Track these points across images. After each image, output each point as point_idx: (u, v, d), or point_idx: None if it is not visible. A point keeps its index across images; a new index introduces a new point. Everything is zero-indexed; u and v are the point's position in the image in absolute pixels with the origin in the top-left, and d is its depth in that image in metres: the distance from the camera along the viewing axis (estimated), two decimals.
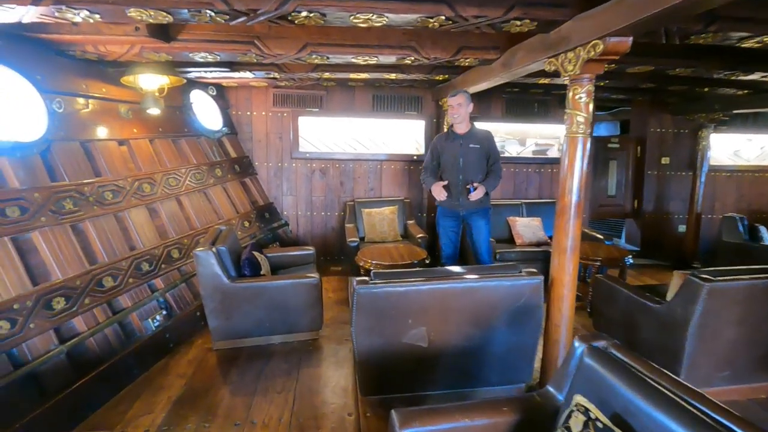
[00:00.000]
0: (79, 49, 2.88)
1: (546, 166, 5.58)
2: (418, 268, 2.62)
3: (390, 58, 3.18)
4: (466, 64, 3.36)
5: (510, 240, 4.76)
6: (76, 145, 2.97)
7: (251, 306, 3.12)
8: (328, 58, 3.16)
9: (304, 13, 2.14)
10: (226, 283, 3.02)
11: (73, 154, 2.92)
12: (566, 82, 2.43)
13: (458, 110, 3.36)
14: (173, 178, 3.80)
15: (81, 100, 3.10)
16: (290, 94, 5.05)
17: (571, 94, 2.38)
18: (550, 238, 4.69)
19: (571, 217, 2.40)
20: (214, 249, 3.02)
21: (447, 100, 3.64)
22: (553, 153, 5.63)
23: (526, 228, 4.78)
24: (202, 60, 3.14)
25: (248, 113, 5.09)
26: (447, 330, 2.38)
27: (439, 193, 3.44)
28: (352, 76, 4.06)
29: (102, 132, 3.23)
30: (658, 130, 5.75)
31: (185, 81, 3.63)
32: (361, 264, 3.57)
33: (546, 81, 4.21)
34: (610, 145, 5.90)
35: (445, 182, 3.45)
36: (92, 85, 3.21)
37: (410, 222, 4.99)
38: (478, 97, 4.99)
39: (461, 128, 3.46)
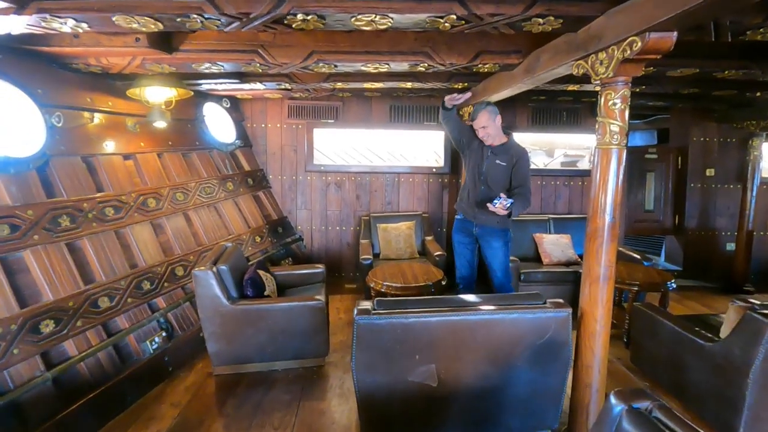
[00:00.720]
0: (82, 62, 2.81)
1: (576, 178, 5.20)
2: (426, 297, 2.35)
3: (402, 65, 2.96)
4: (486, 70, 3.10)
5: (536, 259, 4.41)
6: (77, 160, 2.88)
7: (252, 330, 2.92)
8: (336, 66, 2.98)
9: (300, 16, 1.96)
10: (226, 305, 2.84)
11: (74, 169, 2.83)
12: (597, 88, 2.14)
13: (486, 132, 3.07)
14: (181, 193, 3.69)
15: (86, 114, 3.04)
16: (305, 106, 4.92)
17: (603, 100, 2.09)
18: (581, 256, 4.32)
19: (605, 241, 2.08)
20: (214, 269, 2.85)
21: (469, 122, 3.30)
22: (583, 165, 5.24)
23: (554, 246, 4.42)
24: (207, 71, 3.02)
25: (263, 125, 4.99)
26: (460, 368, 2.09)
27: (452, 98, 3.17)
28: (367, 86, 3.87)
29: (107, 146, 3.15)
30: (702, 139, 5.28)
31: (193, 93, 3.53)
32: (371, 285, 3.33)
33: (575, 87, 3.89)
34: (647, 156, 5.46)
35: (460, 100, 3.17)
36: (98, 99, 3.14)
37: (428, 238, 4.72)
38: (501, 107, 4.70)
39: (492, 142, 3.13)
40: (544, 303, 2.14)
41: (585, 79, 2.24)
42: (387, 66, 2.98)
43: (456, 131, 3.33)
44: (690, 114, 5.20)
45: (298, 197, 5.09)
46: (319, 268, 3.72)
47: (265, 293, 3.16)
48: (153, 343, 2.93)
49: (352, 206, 5.11)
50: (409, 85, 3.81)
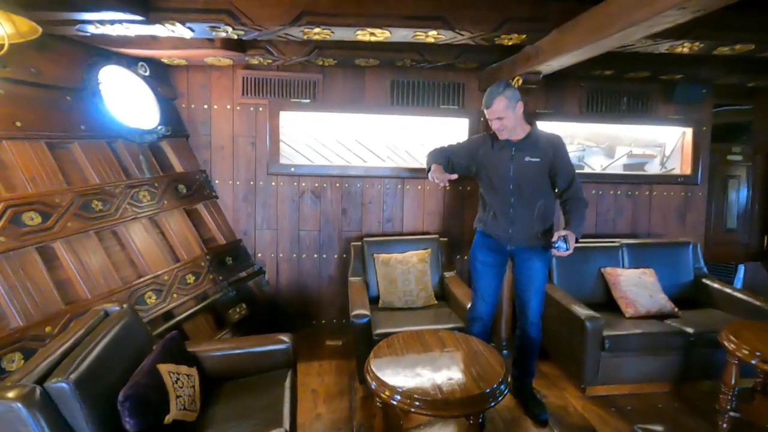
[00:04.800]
0: None
1: (642, 187, 3.81)
2: None
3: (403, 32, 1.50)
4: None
5: (608, 306, 2.97)
6: None
7: None
8: (333, 32, 1.56)
9: None
10: None
11: None
12: None
13: (502, 124, 2.25)
14: (38, 213, 2.09)
15: None
16: (268, 79, 3.36)
17: None
18: (675, 302, 2.92)
19: None
20: (36, 393, 1.29)
21: (484, 111, 2.29)
22: (653, 168, 3.86)
23: (637, 287, 2.99)
24: None
25: (205, 106, 3.41)
26: None
27: (440, 177, 2.26)
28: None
29: None
30: None
31: (41, 32, 1.91)
32: (377, 391, 1.80)
33: (687, 47, 2.48)
34: (730, 157, 4.12)
35: (454, 176, 2.30)
36: None
37: (449, 275, 3.24)
38: (543, 86, 3.29)
39: (511, 136, 2.32)
40: None
41: None
42: (388, 32, 1.54)
43: (458, 163, 2.48)
44: None
45: (257, 212, 3.52)
46: (282, 344, 2.16)
47: (167, 418, 1.60)
48: None
49: (336, 224, 3.58)
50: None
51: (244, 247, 3.45)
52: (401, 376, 1.82)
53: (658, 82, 3.62)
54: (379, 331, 2.58)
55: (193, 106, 3.39)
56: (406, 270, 3.05)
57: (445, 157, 2.48)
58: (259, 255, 3.54)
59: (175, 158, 3.19)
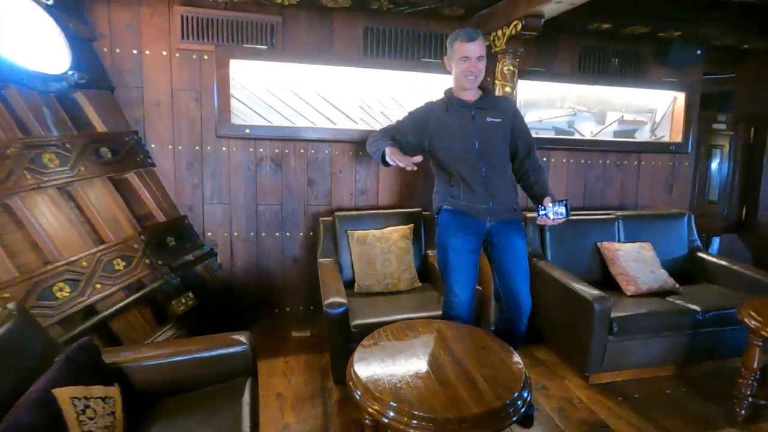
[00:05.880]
0: None
1: (631, 156, 3.57)
2: None
3: None
4: None
5: (606, 283, 2.71)
6: None
7: None
8: None
9: None
10: None
11: None
12: None
13: (478, 68, 1.94)
14: None
15: None
16: (214, 19, 2.75)
17: None
18: (675, 277, 2.71)
19: None
20: None
21: (458, 47, 1.95)
22: (643, 136, 3.62)
23: (637, 263, 2.74)
24: None
25: (134, 52, 2.74)
26: None
27: (403, 159, 1.94)
28: None
29: None
30: None
31: None
32: (364, 404, 1.38)
33: None
34: (715, 126, 3.96)
35: (418, 158, 1.94)
36: None
37: (432, 253, 2.84)
38: (537, 42, 2.93)
39: (471, 94, 2.03)
40: None
41: None
42: None
43: (406, 143, 2.16)
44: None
45: (205, 183, 2.94)
46: (238, 345, 1.67)
47: None
48: None
49: (301, 197, 3.08)
50: None
51: (189, 224, 2.88)
52: (395, 382, 1.41)
53: (654, 41, 3.35)
54: (357, 321, 2.16)
55: (118, 50, 2.72)
56: (386, 249, 2.62)
57: (390, 139, 2.12)
58: (209, 234, 2.98)
59: (96, 115, 2.53)
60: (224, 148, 2.92)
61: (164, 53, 2.76)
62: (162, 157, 2.84)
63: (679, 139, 3.56)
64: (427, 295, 2.54)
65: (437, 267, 2.63)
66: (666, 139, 3.63)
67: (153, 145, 2.83)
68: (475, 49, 1.90)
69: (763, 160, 3.91)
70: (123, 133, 2.66)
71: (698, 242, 3.15)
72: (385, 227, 2.76)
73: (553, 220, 1.85)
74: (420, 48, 3.03)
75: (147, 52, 2.75)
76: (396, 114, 3.11)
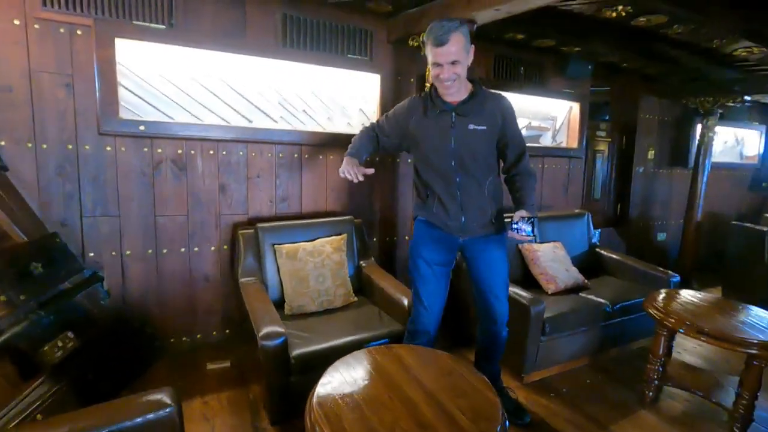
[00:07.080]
0: None
1: (535, 160, 3.84)
2: None
3: None
4: None
5: (529, 283, 2.86)
6: None
7: None
8: None
9: None
10: None
11: None
12: None
13: (454, 72, 1.72)
14: None
15: None
16: None
17: None
18: (580, 273, 2.97)
19: None
20: None
21: (428, 51, 1.73)
22: (545, 141, 3.92)
23: (554, 262, 2.94)
24: None
25: None
26: None
27: (352, 171, 1.85)
28: None
29: None
30: (646, 116, 4.56)
31: None
32: None
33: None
34: (598, 133, 4.49)
35: (370, 171, 1.90)
36: None
37: (366, 263, 2.69)
38: None
39: (455, 95, 1.83)
40: None
41: None
42: None
43: (390, 143, 2.05)
44: (635, 85, 4.40)
45: (84, 191, 2.34)
46: (162, 408, 1.30)
47: None
48: None
49: (211, 206, 2.65)
50: None
51: (63, 244, 2.26)
52: None
53: (556, 55, 3.62)
54: (297, 352, 1.90)
55: None
56: (320, 263, 2.38)
57: (372, 138, 2.04)
58: (91, 254, 2.39)
59: None
60: (109, 148, 2.35)
61: (16, 22, 2.10)
62: (18, 159, 2.18)
63: (575, 144, 3.94)
64: (366, 310, 2.38)
65: (372, 279, 2.49)
66: (564, 144, 3.99)
67: (3, 143, 2.15)
68: (447, 53, 1.66)
69: (633, 163, 4.55)
70: None
71: (595, 239, 3.52)
72: (316, 239, 2.51)
73: (519, 236, 1.78)
74: (346, 42, 2.82)
75: None
76: (320, 114, 2.86)
